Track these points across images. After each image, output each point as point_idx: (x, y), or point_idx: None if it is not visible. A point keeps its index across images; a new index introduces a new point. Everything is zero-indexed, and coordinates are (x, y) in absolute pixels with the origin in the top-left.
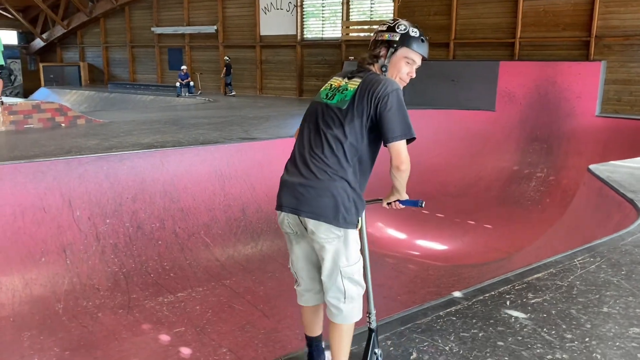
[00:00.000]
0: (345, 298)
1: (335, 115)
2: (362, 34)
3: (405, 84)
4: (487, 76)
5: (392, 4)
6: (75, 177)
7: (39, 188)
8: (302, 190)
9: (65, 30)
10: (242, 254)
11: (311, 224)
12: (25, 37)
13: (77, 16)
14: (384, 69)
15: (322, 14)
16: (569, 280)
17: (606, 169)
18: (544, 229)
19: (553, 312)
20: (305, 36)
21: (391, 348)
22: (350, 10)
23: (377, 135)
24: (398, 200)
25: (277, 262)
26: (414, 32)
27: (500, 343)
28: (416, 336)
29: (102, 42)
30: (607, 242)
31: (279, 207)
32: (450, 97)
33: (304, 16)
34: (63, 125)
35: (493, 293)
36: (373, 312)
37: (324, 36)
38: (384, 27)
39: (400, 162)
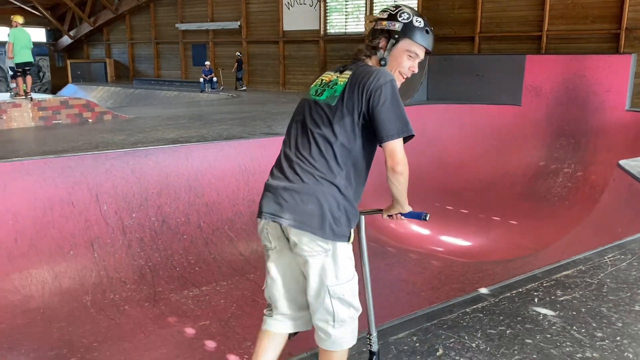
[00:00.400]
0: (334, 321)
1: (324, 113)
2: None
3: (404, 80)
4: (513, 70)
5: None
6: (103, 172)
7: (68, 183)
8: (285, 196)
9: (92, 28)
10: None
11: (293, 233)
12: (53, 35)
13: (104, 13)
14: (383, 62)
15: (346, 8)
16: (599, 277)
17: (637, 165)
18: (572, 225)
19: (583, 310)
20: (328, 31)
21: (417, 344)
22: (374, 4)
23: (372, 134)
24: (400, 212)
25: None
26: (418, 21)
27: (528, 340)
28: (442, 332)
29: (127, 38)
30: (639, 239)
31: (259, 214)
32: (475, 91)
33: (327, 11)
34: (90, 120)
35: (520, 290)
36: (374, 333)
37: (347, 31)
38: (385, 15)
39: (395, 163)
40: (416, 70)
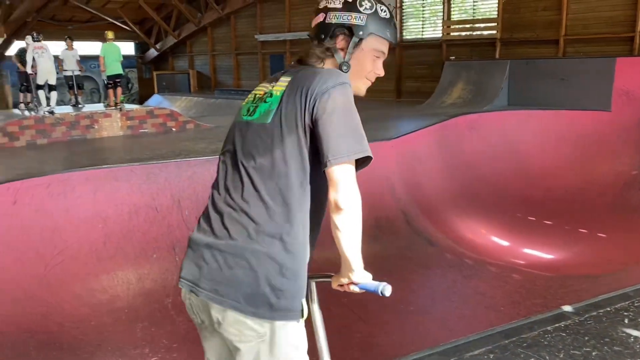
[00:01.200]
0: None
1: (258, 137)
2: (463, 33)
3: (367, 86)
4: (601, 74)
5: (497, 0)
6: (185, 178)
7: (152, 189)
8: (206, 256)
9: (176, 40)
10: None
11: (215, 310)
12: (141, 48)
13: (187, 27)
14: (345, 68)
15: (423, 14)
16: None
17: None
18: None
19: None
20: (404, 37)
21: None
22: (452, 9)
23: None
24: (352, 282)
25: (374, 265)
26: (384, 10)
27: None
28: (521, 351)
29: (209, 50)
30: None
31: (178, 278)
32: (559, 96)
33: (403, 17)
34: (174, 129)
35: (609, 309)
36: None
37: (423, 36)
38: (337, 3)
39: (338, 197)
40: (381, 73)
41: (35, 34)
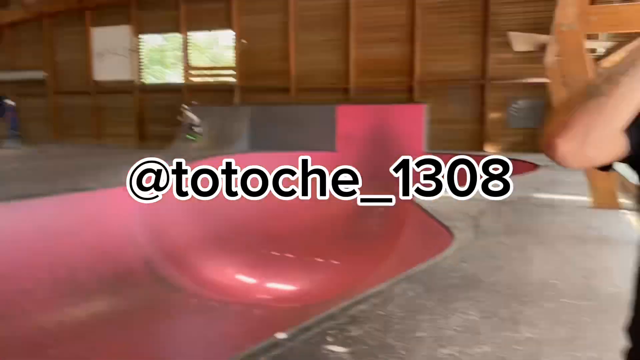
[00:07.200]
0: None
1: None
2: (204, 79)
3: None
4: (326, 119)
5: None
6: None
7: None
8: None
9: None
10: None
11: None
12: None
13: None
14: None
15: (164, 59)
16: (388, 309)
17: (428, 200)
18: (381, 260)
19: (372, 343)
20: (144, 81)
21: None
22: (193, 55)
23: None
24: None
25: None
26: None
27: None
28: None
29: None
30: (425, 269)
31: None
32: (292, 140)
33: (142, 61)
34: None
35: (318, 330)
36: None
37: (165, 81)
38: None
39: None
40: None
41: None
